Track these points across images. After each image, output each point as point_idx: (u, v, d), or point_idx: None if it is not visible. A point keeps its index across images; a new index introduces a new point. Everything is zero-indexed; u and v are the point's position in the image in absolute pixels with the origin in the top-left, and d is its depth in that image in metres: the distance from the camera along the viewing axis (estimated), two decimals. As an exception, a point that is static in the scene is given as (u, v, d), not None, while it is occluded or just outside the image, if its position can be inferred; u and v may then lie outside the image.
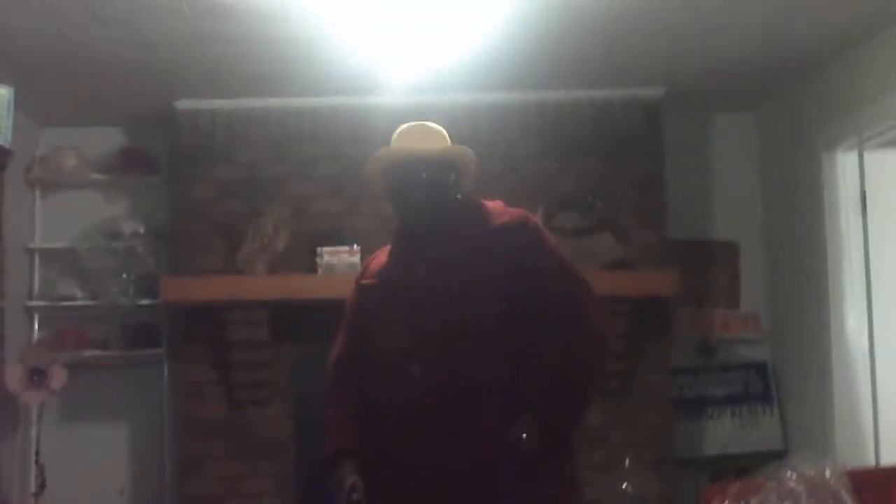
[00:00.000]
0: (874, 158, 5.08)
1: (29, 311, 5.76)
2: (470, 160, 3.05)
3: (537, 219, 3.09)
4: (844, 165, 5.15)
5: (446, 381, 2.87)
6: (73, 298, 5.70)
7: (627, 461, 5.26)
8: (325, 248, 5.34)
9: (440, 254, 2.96)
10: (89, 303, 5.69)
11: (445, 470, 2.86)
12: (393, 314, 3.00)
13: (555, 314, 2.91)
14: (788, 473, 4.36)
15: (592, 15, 4.33)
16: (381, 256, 3.17)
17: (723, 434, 5.80)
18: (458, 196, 3.05)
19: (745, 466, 5.47)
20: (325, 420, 3.10)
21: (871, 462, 4.96)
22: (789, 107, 5.65)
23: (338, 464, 3.00)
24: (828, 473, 4.28)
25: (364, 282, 3.17)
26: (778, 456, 5.49)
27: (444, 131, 3.09)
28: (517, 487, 2.84)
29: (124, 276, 5.67)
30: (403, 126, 3.09)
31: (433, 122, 3.14)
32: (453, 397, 2.86)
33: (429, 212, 2.99)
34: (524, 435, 2.79)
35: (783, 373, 5.83)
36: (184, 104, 5.44)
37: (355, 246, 5.34)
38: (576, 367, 2.89)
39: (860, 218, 5.09)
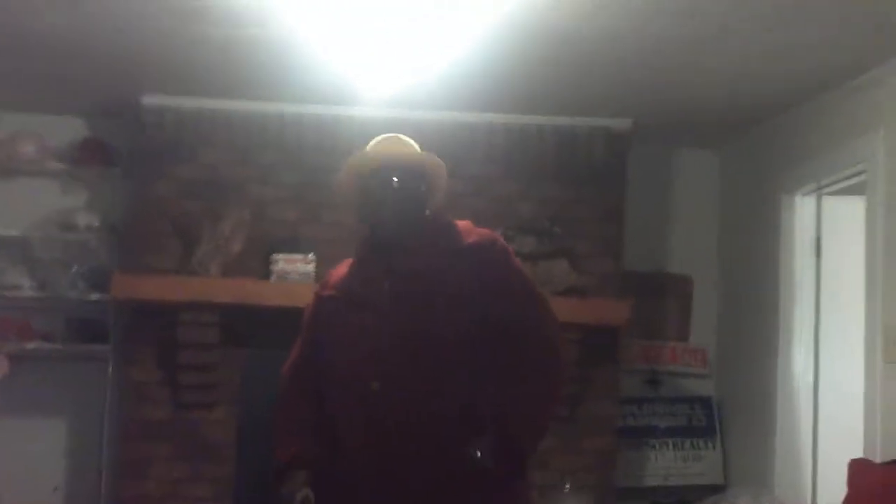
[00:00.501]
0: (831, 204, 5.19)
1: (-29, 299, 5.67)
2: (441, 171, 3.03)
3: (504, 241, 3.08)
4: (802, 209, 5.25)
5: (406, 398, 2.84)
6: (20, 288, 5.60)
7: (567, 486, 5.28)
8: (280, 256, 5.32)
9: (406, 268, 2.93)
10: (36, 294, 5.60)
11: (401, 487, 2.84)
12: (353, 327, 2.95)
13: (518, 336, 2.91)
14: (727, 508, 4.42)
15: (566, 42, 4.36)
16: (343, 269, 3.12)
17: (664, 465, 5.85)
18: (428, 211, 3.03)
19: (684, 499, 5.56)
20: (270, 427, 3.05)
21: (808, 500, 5.04)
22: (752, 148, 5.74)
23: (288, 474, 2.95)
24: (766, 510, 4.35)
25: (325, 293, 3.11)
26: (718, 490, 5.57)
27: (417, 145, 3.09)
28: None
29: (75, 268, 5.60)
30: (378, 137, 3.09)
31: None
32: (412, 414, 2.84)
33: (398, 221, 2.95)
34: (479, 453, 2.79)
35: (727, 408, 5.90)
36: (150, 100, 5.39)
37: (310, 255, 5.33)
38: (538, 388, 2.89)
39: (814, 261, 5.19)
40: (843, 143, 4.78)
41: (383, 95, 4.88)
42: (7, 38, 4.56)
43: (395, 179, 2.95)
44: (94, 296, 5.56)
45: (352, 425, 2.91)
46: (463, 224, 3.05)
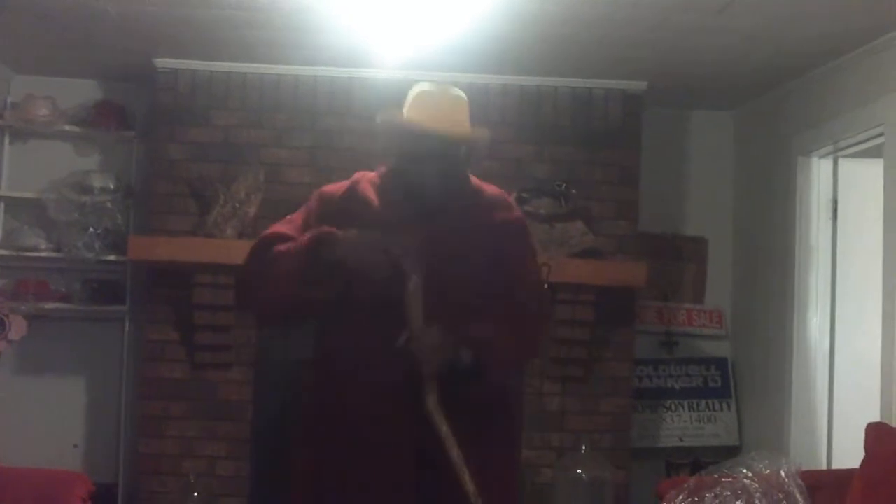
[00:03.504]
0: (848, 167, 5.17)
1: (-10, 260, 5.70)
2: (484, 141, 3.01)
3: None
4: (819, 171, 5.23)
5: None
6: (37, 249, 5.63)
7: (584, 447, 5.31)
8: (296, 217, 5.32)
9: (439, 223, 2.91)
10: (53, 255, 5.63)
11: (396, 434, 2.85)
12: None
13: (511, 282, 2.96)
14: (744, 471, 4.43)
15: (580, 4, 4.33)
16: (367, 189, 2.99)
17: (679, 426, 5.87)
18: (466, 172, 3.01)
19: (699, 459, 5.59)
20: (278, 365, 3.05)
21: (824, 464, 5.05)
22: (768, 109, 5.69)
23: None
24: (782, 473, 4.35)
25: (350, 205, 2.96)
26: (732, 451, 5.59)
27: (464, 98, 2.99)
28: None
29: (91, 230, 5.61)
30: (423, 88, 2.97)
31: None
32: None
33: (437, 187, 2.92)
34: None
35: (743, 370, 5.90)
36: (164, 62, 5.38)
37: (326, 217, 5.33)
38: (523, 315, 2.97)
39: (830, 224, 5.18)
40: (860, 106, 4.75)
41: (397, 57, 4.86)
42: (21, 1, 4.54)
43: (433, 149, 2.88)
44: (111, 257, 5.59)
45: (361, 365, 2.87)
46: (491, 191, 3.06)
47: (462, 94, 2.99)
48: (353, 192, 3.00)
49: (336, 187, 3.05)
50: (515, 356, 3.09)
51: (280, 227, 3.03)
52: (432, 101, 2.92)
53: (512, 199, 3.10)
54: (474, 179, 3.05)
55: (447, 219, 2.92)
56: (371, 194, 2.98)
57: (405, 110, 2.94)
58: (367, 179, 3.03)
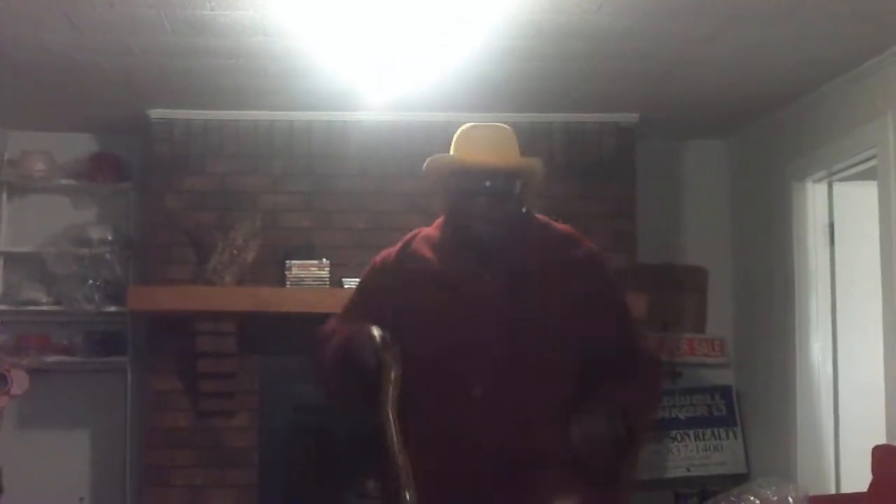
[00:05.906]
0: (843, 191, 5.18)
1: (-9, 315, 5.71)
2: (538, 171, 2.82)
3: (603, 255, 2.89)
4: (814, 196, 5.24)
5: (509, 405, 2.61)
6: (38, 303, 5.65)
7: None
8: (294, 262, 5.34)
9: (509, 265, 2.72)
10: (54, 308, 5.64)
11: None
12: (446, 312, 2.70)
13: (618, 342, 2.75)
14: (752, 498, 4.42)
15: (568, 39, 4.36)
16: (421, 245, 2.82)
17: (686, 456, 5.83)
18: (524, 209, 2.82)
19: (707, 489, 5.56)
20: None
21: (832, 488, 5.03)
22: (762, 136, 5.72)
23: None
24: (790, 499, 4.35)
25: (408, 264, 2.79)
26: (740, 479, 5.56)
27: (510, 130, 2.83)
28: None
29: (91, 282, 5.63)
30: (468, 126, 2.81)
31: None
32: (515, 423, 2.61)
33: (493, 222, 2.72)
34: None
35: (747, 397, 5.88)
36: (158, 113, 5.42)
37: (324, 260, 5.35)
38: (645, 386, 2.75)
39: (828, 248, 5.19)
40: (852, 129, 4.77)
41: (389, 99, 4.89)
42: (13, 57, 4.58)
43: (484, 183, 2.71)
44: (111, 308, 5.60)
45: (442, 430, 2.63)
46: (563, 228, 2.88)
47: (508, 127, 2.85)
48: (406, 252, 2.84)
49: (388, 252, 2.89)
50: (652, 411, 2.93)
51: (342, 313, 2.88)
52: (479, 136, 2.79)
53: (600, 251, 2.87)
54: (541, 216, 2.87)
55: (514, 259, 2.72)
56: (426, 250, 2.81)
57: (452, 149, 2.79)
58: (421, 236, 2.87)
